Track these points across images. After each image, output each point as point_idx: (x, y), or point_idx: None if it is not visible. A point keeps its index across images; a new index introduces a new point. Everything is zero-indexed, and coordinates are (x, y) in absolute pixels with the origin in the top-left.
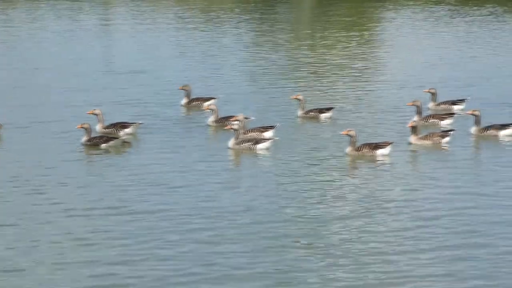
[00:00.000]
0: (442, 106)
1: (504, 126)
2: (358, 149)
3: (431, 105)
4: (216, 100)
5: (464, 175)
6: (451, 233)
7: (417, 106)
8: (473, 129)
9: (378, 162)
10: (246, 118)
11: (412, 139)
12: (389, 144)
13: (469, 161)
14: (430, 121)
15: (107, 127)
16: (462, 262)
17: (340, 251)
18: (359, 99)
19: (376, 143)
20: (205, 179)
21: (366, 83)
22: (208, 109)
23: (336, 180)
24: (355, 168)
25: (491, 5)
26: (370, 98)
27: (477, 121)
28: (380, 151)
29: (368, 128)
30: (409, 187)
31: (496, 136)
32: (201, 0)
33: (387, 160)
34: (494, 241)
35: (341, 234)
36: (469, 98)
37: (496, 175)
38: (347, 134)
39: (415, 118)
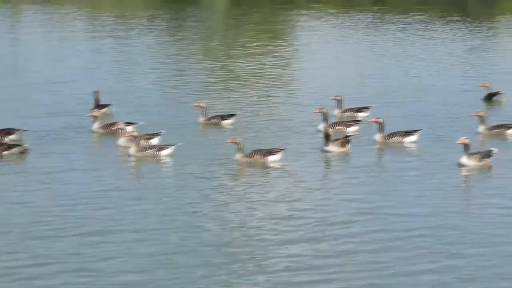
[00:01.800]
0: (347, 113)
1: (408, 133)
2: (250, 155)
3: (336, 112)
4: (108, 107)
5: (367, 182)
6: (341, 240)
7: (324, 113)
8: (378, 136)
9: (289, 169)
10: (128, 124)
11: (329, 146)
12: (280, 151)
13: (372, 168)
14: (336, 128)
15: None
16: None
17: (244, 257)
18: (266, 106)
19: (267, 149)
20: (107, 191)
21: (276, 90)
22: (91, 115)
23: (229, 187)
24: (246, 174)
25: (414, 13)
26: (278, 105)
27: (381, 128)
28: (271, 158)
29: (272, 136)
30: (312, 194)
31: (400, 142)
32: (114, 7)
33: (292, 167)
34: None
35: (240, 243)
36: (373, 105)
37: (398, 181)
38: (232, 142)
39: (322, 125)
